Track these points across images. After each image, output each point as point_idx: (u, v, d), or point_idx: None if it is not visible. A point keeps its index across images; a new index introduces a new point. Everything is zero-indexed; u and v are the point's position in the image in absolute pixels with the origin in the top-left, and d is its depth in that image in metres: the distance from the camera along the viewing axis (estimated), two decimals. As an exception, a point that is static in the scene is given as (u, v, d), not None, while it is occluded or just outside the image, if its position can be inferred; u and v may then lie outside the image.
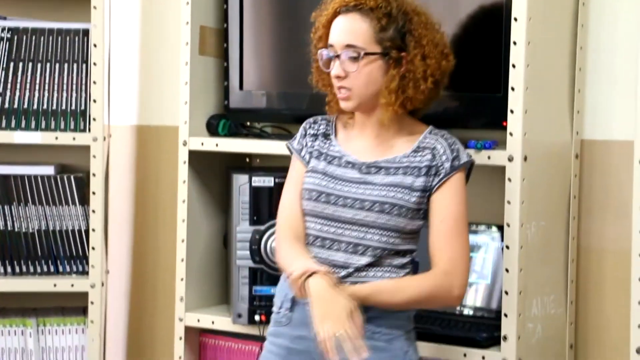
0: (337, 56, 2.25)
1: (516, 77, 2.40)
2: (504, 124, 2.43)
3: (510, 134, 2.42)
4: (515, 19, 2.40)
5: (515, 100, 2.41)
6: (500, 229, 2.52)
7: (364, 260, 2.24)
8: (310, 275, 2.18)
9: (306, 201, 2.30)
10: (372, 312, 2.23)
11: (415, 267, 2.31)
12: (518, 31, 2.40)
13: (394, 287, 2.22)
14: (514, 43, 2.40)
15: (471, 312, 2.66)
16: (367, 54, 2.23)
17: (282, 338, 2.31)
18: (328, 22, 2.29)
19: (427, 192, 2.25)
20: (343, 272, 2.24)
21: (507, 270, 2.43)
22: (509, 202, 2.42)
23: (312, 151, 2.35)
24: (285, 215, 2.34)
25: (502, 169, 2.43)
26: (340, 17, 2.26)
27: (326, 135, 2.36)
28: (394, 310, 2.25)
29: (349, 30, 2.24)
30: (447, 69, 2.28)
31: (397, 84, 2.23)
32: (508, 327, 2.43)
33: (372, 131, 2.31)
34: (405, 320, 2.29)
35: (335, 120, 2.38)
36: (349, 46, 2.24)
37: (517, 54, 2.40)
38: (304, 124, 2.41)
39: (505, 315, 2.44)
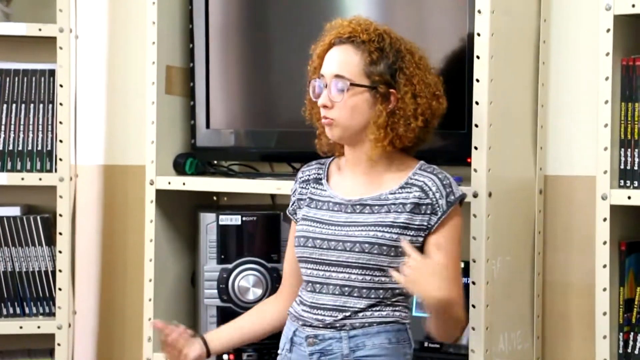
0: (327, 86, 2.27)
1: (479, 114, 2.43)
2: (469, 160, 2.45)
3: (475, 170, 2.44)
4: (478, 57, 2.43)
5: (479, 137, 2.43)
6: (467, 264, 2.54)
7: (361, 302, 2.24)
8: None
9: (297, 248, 2.32)
10: (361, 351, 2.23)
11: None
12: (481, 69, 2.43)
13: (451, 323, 2.23)
14: (477, 80, 2.43)
15: (440, 347, 2.66)
16: (353, 84, 2.24)
17: None
18: (323, 53, 2.31)
19: (423, 231, 2.26)
20: (340, 315, 2.25)
21: (473, 306, 2.44)
22: (474, 238, 2.44)
23: (302, 198, 2.37)
24: (284, 275, 2.46)
25: (467, 205, 2.45)
26: (333, 49, 2.29)
27: (318, 180, 2.37)
28: (386, 349, 2.25)
29: (340, 61, 2.26)
30: (438, 111, 2.30)
31: (385, 119, 2.24)
32: (476, 362, 2.44)
33: (362, 168, 2.31)
34: (398, 358, 2.27)
35: (329, 164, 2.40)
36: (337, 76, 2.25)
37: (480, 91, 2.43)
38: (299, 172, 2.43)
39: (473, 351, 2.45)
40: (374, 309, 2.25)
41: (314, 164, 2.41)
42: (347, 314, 2.24)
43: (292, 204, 2.41)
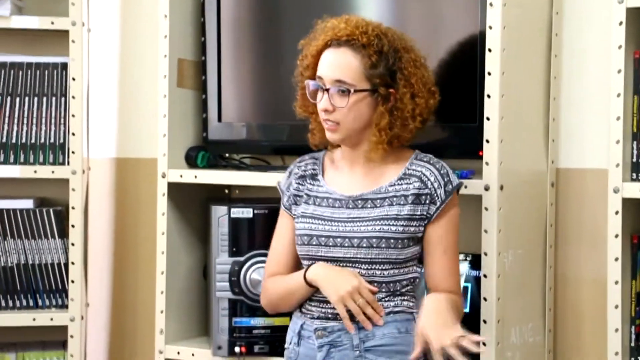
0: (326, 90, 2.26)
1: (491, 107, 2.43)
2: (480, 153, 2.45)
3: (487, 164, 2.44)
4: (490, 50, 2.43)
5: (491, 130, 2.43)
6: (478, 257, 2.54)
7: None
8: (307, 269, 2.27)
9: (300, 246, 2.33)
10: (371, 341, 2.24)
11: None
12: (492, 62, 2.42)
13: (454, 305, 2.24)
14: (489, 74, 2.43)
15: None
16: (357, 90, 2.24)
17: None
18: (317, 53, 2.29)
19: (423, 221, 2.26)
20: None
21: (485, 299, 2.45)
22: (486, 231, 2.44)
23: (299, 194, 2.36)
24: (269, 265, 2.42)
25: (478, 198, 2.45)
26: (330, 50, 2.27)
27: (314, 176, 2.37)
28: (396, 338, 2.25)
29: (340, 65, 2.25)
30: (434, 107, 2.31)
31: (387, 122, 2.25)
32: (487, 356, 2.43)
33: (359, 164, 2.32)
34: (408, 347, 2.26)
35: (323, 158, 2.40)
36: (338, 81, 2.25)
37: (492, 85, 2.42)
38: (291, 165, 2.42)
39: (484, 344, 2.45)
40: (383, 300, 2.25)
41: (307, 159, 2.41)
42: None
43: (288, 199, 2.39)
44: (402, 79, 2.25)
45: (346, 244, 2.26)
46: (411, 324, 2.28)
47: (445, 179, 2.27)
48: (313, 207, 2.33)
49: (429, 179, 2.27)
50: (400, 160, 2.31)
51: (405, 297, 2.29)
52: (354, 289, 2.21)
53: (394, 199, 2.26)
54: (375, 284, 2.25)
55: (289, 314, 2.41)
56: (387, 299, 2.26)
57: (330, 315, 2.27)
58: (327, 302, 2.27)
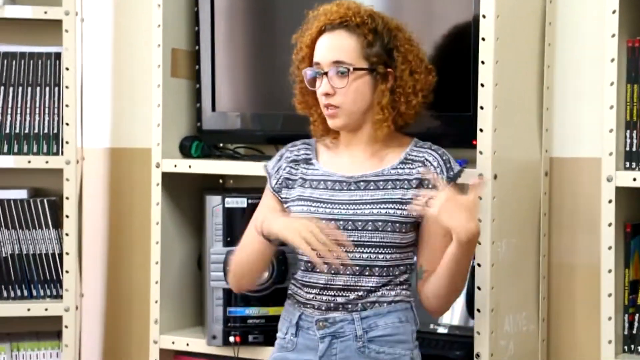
0: (325, 74, 2.26)
1: (485, 96, 2.43)
2: (474, 142, 2.45)
3: (480, 153, 2.44)
4: (483, 39, 2.42)
5: (485, 119, 2.43)
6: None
7: (372, 281, 2.25)
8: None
9: None
10: (374, 332, 2.24)
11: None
12: (486, 51, 2.42)
13: (465, 268, 2.23)
14: (482, 62, 2.43)
15: (446, 331, 2.67)
16: (355, 69, 2.24)
17: None
18: (312, 42, 2.30)
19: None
20: (352, 295, 2.25)
21: (479, 288, 2.45)
22: (480, 220, 2.44)
23: (292, 178, 2.36)
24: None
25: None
26: (325, 35, 2.28)
27: (307, 161, 2.37)
28: (398, 328, 2.26)
29: (336, 47, 2.26)
30: (432, 84, 2.31)
31: (388, 99, 2.25)
32: (481, 344, 2.44)
33: (359, 146, 2.32)
34: (408, 337, 2.28)
35: (315, 143, 2.39)
36: (336, 62, 2.25)
37: (486, 74, 2.42)
38: (282, 149, 2.42)
39: (478, 333, 2.45)
40: (385, 288, 2.26)
41: (299, 144, 2.40)
42: (360, 293, 2.25)
43: (277, 182, 2.37)
44: (400, 56, 2.26)
45: (349, 227, 2.25)
46: (409, 313, 2.29)
47: (447, 165, 2.28)
48: (310, 190, 2.32)
49: (432, 164, 2.27)
50: (400, 146, 2.31)
51: (404, 287, 2.29)
52: (312, 225, 2.16)
53: (397, 182, 2.26)
54: (377, 269, 2.25)
55: (282, 303, 2.41)
56: (388, 287, 2.26)
57: (332, 306, 2.26)
58: (332, 289, 2.26)
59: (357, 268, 2.24)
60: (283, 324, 2.35)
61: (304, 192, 2.33)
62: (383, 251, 2.25)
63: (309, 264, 2.30)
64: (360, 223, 2.24)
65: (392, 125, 2.27)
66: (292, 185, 2.36)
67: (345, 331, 2.25)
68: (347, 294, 2.25)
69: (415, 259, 2.32)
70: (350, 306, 2.25)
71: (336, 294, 2.26)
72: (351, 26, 2.25)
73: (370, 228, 2.23)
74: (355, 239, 2.25)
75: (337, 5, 2.28)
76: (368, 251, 2.25)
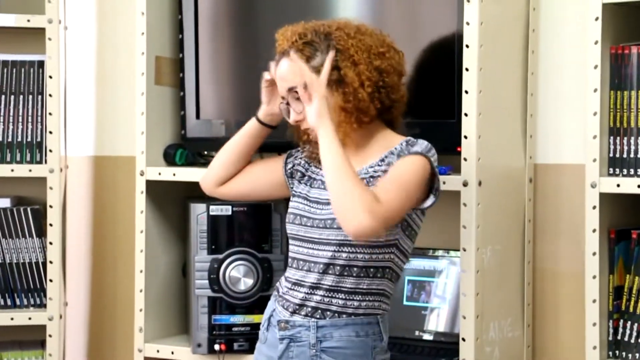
0: (287, 104, 2.29)
1: (469, 103, 2.44)
2: (458, 149, 2.46)
3: (465, 159, 2.45)
4: (467, 46, 2.43)
5: (469, 126, 2.44)
6: (458, 253, 2.54)
7: (341, 281, 2.24)
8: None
9: (287, 224, 2.35)
10: (327, 342, 2.24)
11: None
12: (470, 58, 2.43)
13: (345, 163, 2.16)
14: (466, 69, 2.43)
15: (431, 337, 2.67)
16: (304, 87, 2.24)
17: (261, 355, 2.35)
18: None
19: None
20: (317, 293, 2.25)
21: (464, 295, 2.45)
22: (464, 227, 2.45)
23: (304, 173, 2.38)
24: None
25: (457, 194, 2.45)
26: (277, 67, 2.31)
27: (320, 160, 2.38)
28: (353, 342, 2.24)
29: (283, 75, 2.29)
30: (390, 67, 2.26)
31: (337, 100, 2.23)
32: (466, 351, 2.45)
33: (350, 149, 2.29)
34: (365, 352, 2.26)
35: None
36: (290, 90, 2.28)
37: (470, 81, 2.43)
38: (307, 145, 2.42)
39: (464, 339, 2.46)
40: (349, 296, 2.24)
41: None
42: (323, 292, 2.24)
43: (292, 167, 2.41)
44: (340, 55, 2.24)
45: (321, 225, 2.26)
46: (373, 328, 2.26)
47: (411, 143, 2.24)
48: (307, 189, 2.34)
49: (396, 148, 2.25)
50: (389, 145, 2.29)
51: (372, 297, 2.26)
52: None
53: (371, 179, 2.25)
54: (348, 268, 2.23)
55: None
56: (352, 296, 2.24)
57: (297, 308, 2.27)
58: (300, 285, 2.26)
59: (322, 266, 2.24)
60: (264, 315, 2.37)
61: (303, 189, 2.36)
62: (348, 250, 2.23)
63: (291, 260, 2.32)
64: (329, 221, 2.24)
65: (356, 124, 2.24)
66: (299, 179, 2.38)
67: (302, 337, 2.26)
68: (312, 291, 2.25)
69: (400, 264, 2.30)
70: (311, 311, 2.25)
71: (302, 290, 2.26)
72: (287, 51, 2.27)
73: (336, 226, 2.22)
74: (324, 237, 2.25)
75: (282, 34, 2.31)
76: (333, 250, 2.23)
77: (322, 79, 2.21)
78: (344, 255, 2.24)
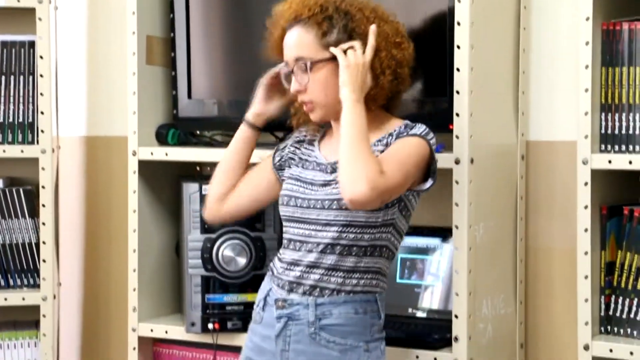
0: (292, 72, 2.27)
1: (461, 81, 2.43)
2: (450, 127, 2.46)
3: (457, 137, 2.45)
4: (459, 24, 2.43)
5: (461, 104, 2.44)
6: (450, 231, 2.55)
7: (339, 260, 2.25)
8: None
9: (280, 207, 2.34)
10: (326, 320, 2.25)
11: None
12: (461, 35, 2.43)
13: (364, 134, 2.18)
14: (458, 47, 2.43)
15: (424, 315, 2.68)
16: (314, 62, 2.24)
17: (255, 335, 2.36)
18: (280, 40, 2.32)
19: None
20: (316, 275, 2.25)
21: (456, 272, 2.46)
22: (456, 204, 2.45)
23: (293, 158, 2.38)
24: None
25: (449, 172, 2.46)
26: (287, 34, 2.29)
27: (311, 142, 2.38)
28: (352, 319, 2.26)
29: (294, 44, 2.27)
30: (404, 58, 2.28)
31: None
32: (459, 328, 2.46)
33: None
34: (364, 329, 2.27)
35: (331, 128, 2.38)
36: (298, 59, 2.26)
37: (461, 58, 2.43)
38: (295, 132, 2.44)
39: (456, 316, 2.47)
40: (348, 274, 2.25)
41: (313, 127, 2.41)
42: (322, 271, 2.25)
43: (281, 159, 2.40)
44: (358, 37, 2.24)
45: (318, 206, 2.26)
46: (371, 306, 2.27)
47: (410, 126, 2.26)
48: (300, 170, 2.34)
49: (395, 130, 2.26)
50: (389, 129, 2.29)
51: (370, 275, 2.27)
52: None
53: None
54: (348, 247, 2.24)
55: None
56: (351, 274, 2.25)
57: (294, 287, 2.27)
58: (298, 265, 2.27)
59: (322, 246, 2.25)
60: (259, 294, 2.37)
61: (295, 171, 2.35)
62: (347, 230, 2.24)
63: (286, 241, 2.32)
64: (327, 202, 2.25)
65: (365, 109, 2.25)
66: (292, 165, 2.38)
67: (300, 315, 2.27)
68: (310, 270, 2.25)
69: (396, 244, 2.31)
70: (309, 289, 2.26)
71: (301, 270, 2.27)
72: (304, 20, 2.25)
73: (334, 207, 2.23)
74: (322, 218, 2.25)
75: (289, 3, 2.29)
76: (333, 230, 2.24)
77: (368, 51, 2.20)
78: (351, 235, 2.24)
